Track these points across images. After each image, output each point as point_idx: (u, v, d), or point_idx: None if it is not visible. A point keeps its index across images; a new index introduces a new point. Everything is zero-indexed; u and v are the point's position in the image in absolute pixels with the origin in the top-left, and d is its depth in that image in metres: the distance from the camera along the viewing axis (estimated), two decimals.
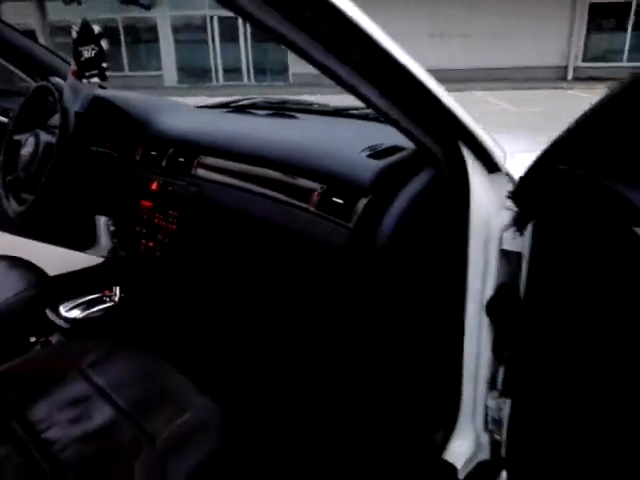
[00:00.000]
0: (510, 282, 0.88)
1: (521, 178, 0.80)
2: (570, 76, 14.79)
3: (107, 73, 1.28)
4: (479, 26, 13.89)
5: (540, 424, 0.90)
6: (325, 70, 0.64)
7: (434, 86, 0.73)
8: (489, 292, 0.90)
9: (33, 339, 1.24)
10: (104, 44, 1.20)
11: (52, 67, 1.63)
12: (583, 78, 14.37)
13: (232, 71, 15.52)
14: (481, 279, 0.90)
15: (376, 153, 0.94)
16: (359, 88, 0.68)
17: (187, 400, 0.92)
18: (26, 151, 1.35)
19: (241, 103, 1.51)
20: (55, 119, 1.36)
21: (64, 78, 1.36)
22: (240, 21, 15.12)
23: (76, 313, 1.30)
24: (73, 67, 1.27)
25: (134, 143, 1.41)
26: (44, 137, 1.34)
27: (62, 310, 1.30)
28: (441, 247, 0.91)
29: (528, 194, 0.81)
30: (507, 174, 0.87)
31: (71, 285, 1.44)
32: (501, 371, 0.95)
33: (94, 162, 1.42)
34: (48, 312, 1.29)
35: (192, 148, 1.25)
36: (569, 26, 14.69)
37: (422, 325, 0.98)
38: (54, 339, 1.26)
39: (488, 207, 0.87)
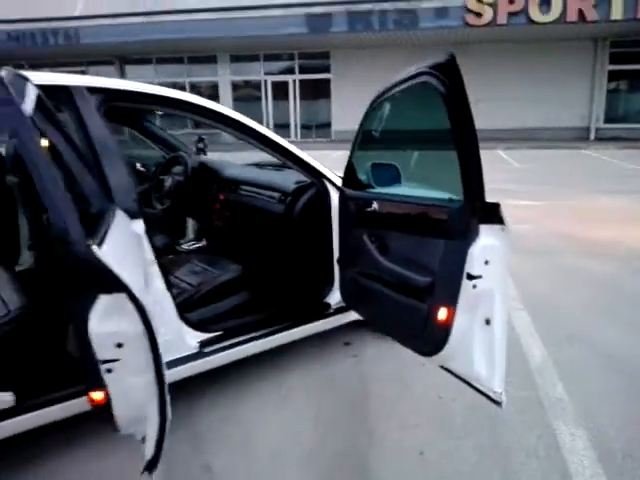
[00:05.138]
0: None
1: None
2: (592, 136, 16.10)
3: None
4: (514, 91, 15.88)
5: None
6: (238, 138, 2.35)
7: (296, 150, 2.43)
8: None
9: None
10: (201, 145, 3.12)
11: (176, 145, 3.54)
12: (605, 138, 15.74)
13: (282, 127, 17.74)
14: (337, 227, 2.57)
15: (298, 182, 2.67)
16: (261, 147, 2.37)
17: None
18: (167, 184, 3.20)
19: (260, 162, 3.33)
20: (180, 169, 3.20)
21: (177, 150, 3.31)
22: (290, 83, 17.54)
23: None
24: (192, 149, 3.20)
25: (215, 181, 3.22)
26: (176, 178, 3.19)
27: None
28: (321, 215, 2.59)
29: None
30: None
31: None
32: None
33: (200, 189, 3.24)
34: None
35: (236, 182, 3.04)
36: (590, 91, 16.09)
37: (315, 243, 2.65)
38: None
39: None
